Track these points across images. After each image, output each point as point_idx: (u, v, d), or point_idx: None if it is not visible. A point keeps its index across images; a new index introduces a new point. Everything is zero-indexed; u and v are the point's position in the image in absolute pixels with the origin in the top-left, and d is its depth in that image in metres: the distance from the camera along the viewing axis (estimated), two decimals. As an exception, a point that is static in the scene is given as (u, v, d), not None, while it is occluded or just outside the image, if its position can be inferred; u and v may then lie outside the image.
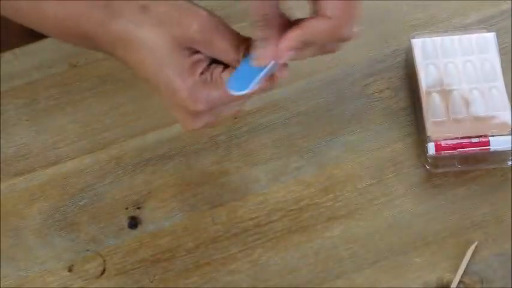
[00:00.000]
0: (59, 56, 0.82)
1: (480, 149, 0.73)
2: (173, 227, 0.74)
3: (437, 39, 0.78)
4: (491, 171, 0.75)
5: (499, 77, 0.76)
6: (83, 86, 0.81)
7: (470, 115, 0.74)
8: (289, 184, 0.75)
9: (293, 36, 0.60)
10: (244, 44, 0.62)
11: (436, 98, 0.75)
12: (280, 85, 0.78)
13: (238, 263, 0.72)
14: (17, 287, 0.72)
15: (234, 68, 0.62)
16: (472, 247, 0.71)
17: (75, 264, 0.73)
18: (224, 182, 0.76)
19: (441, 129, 0.74)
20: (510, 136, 0.73)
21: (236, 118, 0.78)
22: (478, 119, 0.74)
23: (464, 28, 0.80)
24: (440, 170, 0.75)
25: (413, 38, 0.78)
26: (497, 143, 0.73)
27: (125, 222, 0.74)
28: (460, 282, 0.70)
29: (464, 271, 0.70)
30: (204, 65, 0.62)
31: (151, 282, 0.72)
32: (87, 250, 0.73)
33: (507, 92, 0.75)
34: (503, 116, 0.74)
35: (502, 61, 0.77)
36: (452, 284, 0.70)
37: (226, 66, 0.62)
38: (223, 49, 0.62)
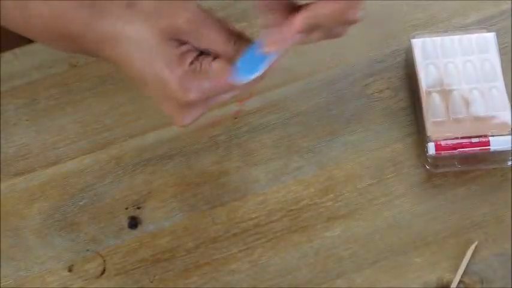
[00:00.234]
0: (59, 56, 0.81)
1: (480, 149, 0.73)
2: (173, 227, 0.74)
3: (437, 39, 0.78)
4: (491, 171, 0.75)
5: (499, 77, 0.76)
6: (83, 86, 0.81)
7: (470, 115, 0.74)
8: (289, 184, 0.75)
9: (300, 19, 0.59)
10: (234, 35, 0.61)
11: (436, 98, 0.75)
12: (280, 85, 0.79)
13: (238, 263, 0.72)
14: (17, 287, 0.72)
15: (228, 58, 0.61)
16: (472, 247, 0.71)
17: (75, 264, 0.73)
18: (224, 182, 0.76)
19: (441, 129, 0.74)
20: (510, 136, 0.73)
21: (236, 118, 0.78)
22: (478, 119, 0.74)
23: (464, 28, 0.80)
24: (440, 170, 0.75)
25: (413, 38, 0.78)
26: (497, 143, 0.73)
27: (125, 222, 0.74)
28: (460, 282, 0.70)
29: (464, 271, 0.70)
30: (193, 55, 0.61)
31: (151, 282, 0.72)
32: (87, 250, 0.73)
33: (507, 92, 0.75)
34: (503, 116, 0.74)
35: (502, 61, 0.77)
36: (452, 284, 0.70)
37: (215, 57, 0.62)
38: (213, 39, 0.61)
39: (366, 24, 0.78)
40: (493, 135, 0.73)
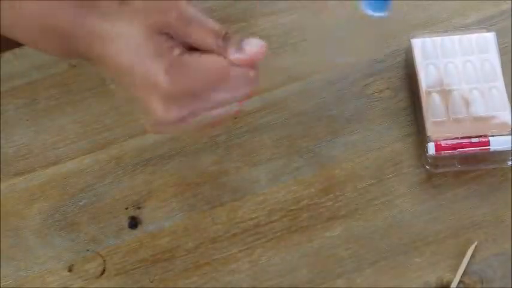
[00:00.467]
0: (59, 56, 0.82)
1: (480, 149, 0.73)
2: (173, 227, 0.74)
3: (437, 39, 0.78)
4: (491, 171, 0.75)
5: (499, 77, 0.76)
6: (83, 86, 0.81)
7: (470, 115, 0.74)
8: (289, 184, 0.75)
9: None
10: (222, 32, 0.62)
11: (436, 98, 0.75)
12: (280, 85, 0.79)
13: (238, 263, 0.72)
14: (17, 287, 0.72)
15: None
16: (472, 247, 0.71)
17: (75, 264, 0.73)
18: (224, 182, 0.76)
19: (441, 129, 0.74)
20: (510, 136, 0.73)
21: (236, 118, 0.78)
22: (478, 119, 0.74)
23: (464, 28, 0.80)
24: (440, 170, 0.75)
25: (413, 38, 0.78)
26: (497, 143, 0.73)
27: (125, 222, 0.74)
28: (460, 282, 0.70)
29: (464, 271, 0.70)
30: (181, 48, 0.61)
31: (151, 282, 0.72)
32: (87, 250, 0.73)
33: (507, 92, 0.75)
34: (503, 116, 0.74)
35: (502, 61, 0.77)
36: (452, 284, 0.70)
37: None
38: (201, 36, 0.61)
39: (366, 24, 0.78)
40: (493, 135, 0.73)
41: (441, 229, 0.73)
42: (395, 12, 0.82)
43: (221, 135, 0.77)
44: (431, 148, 0.73)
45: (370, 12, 0.62)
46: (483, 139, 0.73)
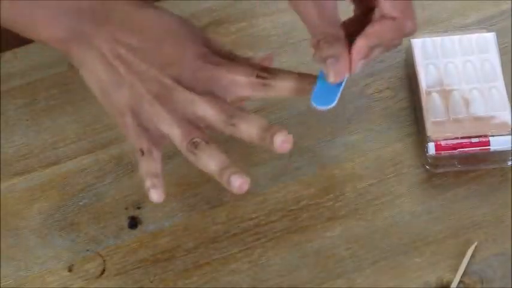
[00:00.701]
0: (59, 56, 0.81)
1: (480, 149, 0.73)
2: (173, 227, 0.74)
3: (437, 39, 0.78)
4: (491, 171, 0.75)
5: (499, 77, 0.76)
6: (83, 86, 0.80)
7: (470, 115, 0.74)
8: (289, 184, 0.75)
9: (362, 45, 0.61)
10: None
11: (436, 98, 0.75)
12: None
13: (238, 263, 0.72)
14: (17, 287, 0.72)
15: None
16: (472, 247, 0.71)
17: (75, 264, 0.73)
18: (224, 182, 0.76)
19: (441, 129, 0.74)
20: (510, 136, 0.73)
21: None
22: (478, 119, 0.74)
23: (464, 28, 0.80)
24: (440, 170, 0.75)
25: (413, 38, 0.78)
26: (497, 143, 0.73)
27: (125, 222, 0.74)
28: (460, 282, 0.70)
29: (464, 271, 0.70)
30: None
31: (151, 282, 0.72)
32: (87, 250, 0.73)
33: (507, 92, 0.75)
34: (503, 116, 0.74)
35: (502, 61, 0.77)
36: (452, 284, 0.70)
37: None
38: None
39: (366, 24, 0.78)
40: (493, 135, 0.73)
41: (441, 229, 0.73)
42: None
43: (221, 135, 0.77)
44: (431, 148, 0.73)
45: (316, 107, 0.63)
46: (483, 139, 0.73)
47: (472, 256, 0.71)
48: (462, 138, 0.73)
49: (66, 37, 0.63)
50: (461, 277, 0.70)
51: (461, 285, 0.70)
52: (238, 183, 0.61)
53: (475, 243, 0.71)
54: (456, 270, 0.70)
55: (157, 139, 0.65)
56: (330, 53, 0.61)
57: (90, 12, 0.63)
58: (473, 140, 0.73)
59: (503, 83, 0.76)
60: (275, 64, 0.67)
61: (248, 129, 0.62)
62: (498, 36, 0.78)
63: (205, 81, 0.63)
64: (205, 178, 0.76)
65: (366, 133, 0.77)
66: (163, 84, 0.62)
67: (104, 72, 0.63)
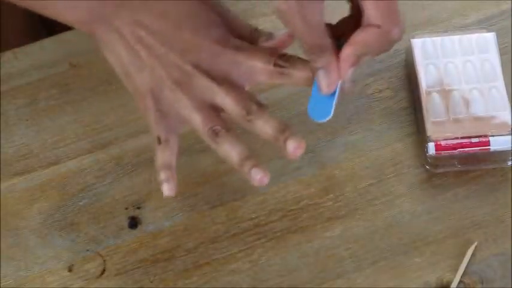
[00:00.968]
0: (59, 56, 0.82)
1: (480, 149, 0.73)
2: (173, 227, 0.74)
3: (437, 39, 0.78)
4: (491, 171, 0.75)
5: (499, 77, 0.76)
6: (83, 86, 0.81)
7: (470, 115, 0.74)
8: (289, 184, 0.75)
9: (349, 54, 0.61)
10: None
11: (436, 98, 0.75)
12: (280, 85, 0.79)
13: (238, 263, 0.72)
14: (17, 287, 0.72)
15: None
16: (472, 247, 0.71)
17: (75, 264, 0.73)
18: (224, 182, 0.76)
19: (441, 129, 0.74)
20: (510, 136, 0.73)
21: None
22: (478, 119, 0.74)
23: (464, 28, 0.80)
24: (440, 170, 0.75)
25: (413, 38, 0.78)
26: (497, 143, 0.73)
27: (125, 222, 0.74)
28: (460, 282, 0.70)
29: (464, 271, 0.70)
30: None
31: (151, 282, 0.72)
32: (87, 250, 0.73)
33: (507, 92, 0.75)
34: (503, 116, 0.74)
35: (502, 61, 0.77)
36: (452, 284, 0.70)
37: None
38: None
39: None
40: (493, 135, 0.73)
41: (441, 229, 0.73)
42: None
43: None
44: (431, 148, 0.73)
45: (314, 119, 0.64)
46: (483, 139, 0.73)
47: (472, 256, 0.71)
48: (462, 138, 0.73)
49: (89, 19, 0.64)
50: (461, 277, 0.70)
51: (461, 285, 0.70)
52: (260, 176, 0.64)
53: (475, 243, 0.71)
54: (456, 270, 0.70)
55: (177, 126, 0.66)
56: (319, 65, 0.62)
57: None
58: (473, 140, 0.73)
59: (503, 83, 0.76)
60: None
61: (263, 128, 0.64)
62: (498, 36, 0.78)
63: (224, 66, 0.64)
64: (205, 178, 0.76)
65: (366, 133, 0.77)
66: (183, 70, 0.63)
67: (126, 55, 0.64)
